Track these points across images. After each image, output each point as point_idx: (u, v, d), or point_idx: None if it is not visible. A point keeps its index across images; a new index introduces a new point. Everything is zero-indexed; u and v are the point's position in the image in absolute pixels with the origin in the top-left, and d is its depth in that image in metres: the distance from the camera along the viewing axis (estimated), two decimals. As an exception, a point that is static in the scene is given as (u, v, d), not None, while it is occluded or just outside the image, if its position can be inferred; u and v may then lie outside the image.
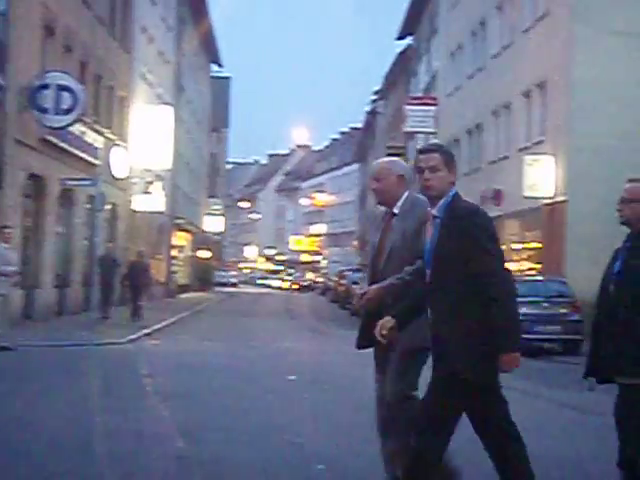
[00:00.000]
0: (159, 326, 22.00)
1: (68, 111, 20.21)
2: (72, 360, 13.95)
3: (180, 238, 48.04)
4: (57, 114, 20.09)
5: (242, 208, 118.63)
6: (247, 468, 6.47)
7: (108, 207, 26.84)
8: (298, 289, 73.96)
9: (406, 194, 5.35)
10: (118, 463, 6.47)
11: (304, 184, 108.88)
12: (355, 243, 79.92)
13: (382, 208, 5.47)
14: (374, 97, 65.68)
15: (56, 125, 20.52)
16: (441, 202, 4.52)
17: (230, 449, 7.11)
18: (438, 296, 4.46)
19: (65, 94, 20.06)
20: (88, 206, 25.20)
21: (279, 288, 77.30)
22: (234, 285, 75.46)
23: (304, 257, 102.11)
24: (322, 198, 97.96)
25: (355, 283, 33.04)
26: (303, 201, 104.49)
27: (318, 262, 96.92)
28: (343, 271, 43.39)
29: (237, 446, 7.23)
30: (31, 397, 9.69)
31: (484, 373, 4.35)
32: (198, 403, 9.66)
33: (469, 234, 4.37)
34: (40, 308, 21.37)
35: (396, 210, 5.32)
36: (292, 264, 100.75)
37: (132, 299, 23.55)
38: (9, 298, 15.35)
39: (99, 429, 7.77)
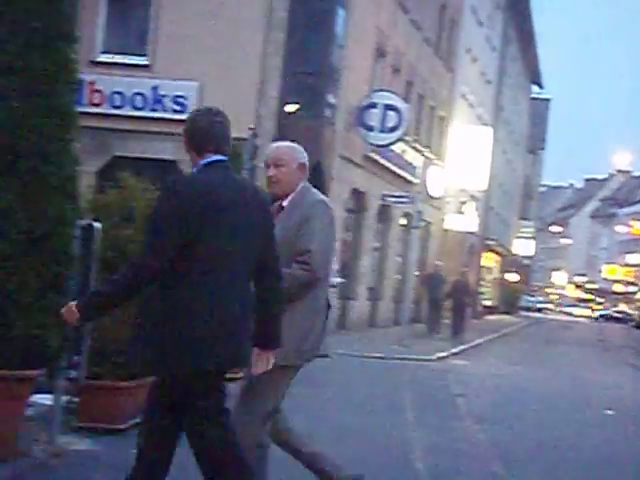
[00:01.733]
0: (466, 346, 21.95)
1: (393, 129, 20.85)
2: (382, 372, 14.28)
3: (489, 259, 47.74)
4: (382, 132, 20.80)
5: (553, 232, 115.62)
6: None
7: (422, 225, 27.25)
8: (609, 319, 70.70)
9: (301, 185, 4.66)
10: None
11: (622, 211, 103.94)
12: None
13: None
14: None
15: (380, 143, 21.24)
16: None
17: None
18: None
19: (391, 113, 20.72)
20: (403, 222, 25.76)
21: (587, 317, 74.36)
22: (540, 310, 73.72)
23: (617, 287, 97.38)
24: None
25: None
26: (619, 228, 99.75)
27: (633, 293, 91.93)
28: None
29: None
30: (348, 405, 10.03)
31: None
32: (513, 429, 9.47)
33: None
34: (354, 319, 22.15)
35: (285, 203, 4.62)
36: (603, 293, 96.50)
37: (454, 317, 23.81)
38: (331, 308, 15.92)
39: (417, 444, 7.85)
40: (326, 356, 14.68)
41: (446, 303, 24.30)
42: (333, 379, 12.59)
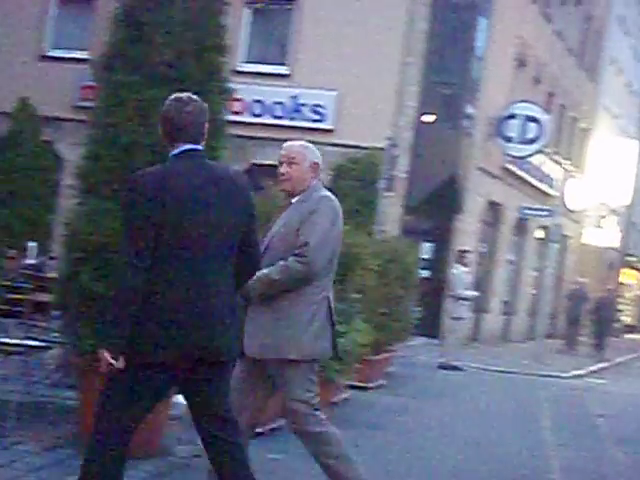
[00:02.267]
0: (605, 365, 21.27)
1: (532, 141, 20.47)
2: (516, 388, 14.00)
3: (629, 276, 46.14)
4: (521, 143, 20.43)
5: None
6: None
7: (560, 238, 26.62)
8: None
9: (314, 183, 4.67)
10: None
11: None
12: None
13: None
14: None
15: (519, 154, 20.89)
16: None
17: None
18: None
19: (531, 124, 20.33)
20: (540, 236, 25.22)
21: None
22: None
23: None
24: None
25: None
26: None
27: None
28: None
29: None
30: (481, 419, 9.88)
31: None
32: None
33: None
34: (486, 332, 21.82)
35: (294, 200, 4.64)
36: None
37: (596, 333, 24.00)
38: (465, 321, 15.72)
39: (555, 463, 7.65)
40: (459, 369, 14.45)
41: (587, 320, 24.33)
42: (463, 392, 12.45)
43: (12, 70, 18.30)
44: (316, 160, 4.74)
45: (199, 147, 3.95)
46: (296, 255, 4.46)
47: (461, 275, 14.89)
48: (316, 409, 4.60)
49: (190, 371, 3.81)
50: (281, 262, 4.46)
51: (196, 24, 5.69)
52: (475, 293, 15.22)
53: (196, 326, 3.73)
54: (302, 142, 4.85)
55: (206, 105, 4.04)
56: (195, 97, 4.01)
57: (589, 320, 24.59)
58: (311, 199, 4.60)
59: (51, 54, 19.53)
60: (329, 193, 4.73)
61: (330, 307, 4.65)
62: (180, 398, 6.53)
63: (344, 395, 9.13)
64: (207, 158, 5.50)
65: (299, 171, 4.65)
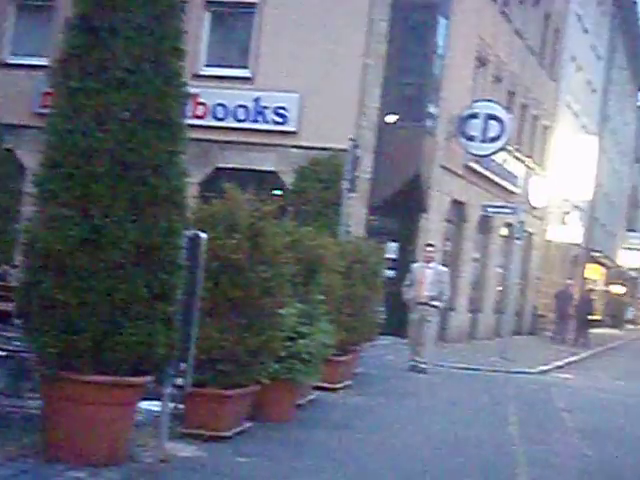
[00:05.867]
0: (570, 360, 21.46)
1: (494, 139, 20.60)
2: (483, 385, 14.07)
3: (593, 271, 46.62)
4: (483, 142, 20.57)
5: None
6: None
7: (524, 235, 26.81)
8: None
9: None
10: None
11: None
12: None
13: None
14: None
15: (481, 153, 21.03)
16: None
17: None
18: None
19: (493, 123, 20.47)
20: (504, 233, 25.41)
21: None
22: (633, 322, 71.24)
23: None
24: None
25: None
26: None
27: None
28: None
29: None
30: (447, 417, 9.95)
31: None
32: (622, 446, 9.19)
33: None
34: (454, 331, 21.93)
35: None
36: None
37: (578, 329, 27.72)
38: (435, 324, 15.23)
39: (521, 457, 7.73)
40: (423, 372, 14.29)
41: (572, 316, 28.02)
42: (434, 391, 12.51)
43: (-29, 78, 18.11)
44: None
45: None
46: None
47: (420, 269, 14.54)
48: None
49: None
50: None
51: (154, 29, 5.67)
52: (447, 295, 14.81)
53: None
54: None
55: None
56: None
57: (574, 316, 28.05)
58: None
59: (10, 61, 19.36)
60: None
61: None
62: (146, 404, 6.53)
63: (310, 397, 9.14)
64: (165, 162, 5.47)
65: None
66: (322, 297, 8.60)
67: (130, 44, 5.55)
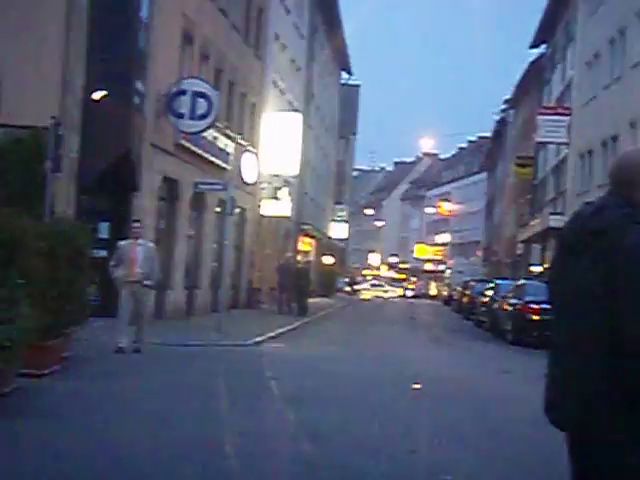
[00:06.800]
0: (283, 330, 22.24)
1: (203, 117, 20.77)
2: (198, 360, 14.26)
3: (306, 244, 48.54)
4: (192, 119, 20.68)
5: (367, 215, 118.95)
6: (376, 476, 6.47)
7: (237, 211, 27.37)
8: (421, 297, 74.26)
9: None
10: (248, 463, 6.59)
11: (430, 193, 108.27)
12: (480, 253, 78.87)
13: None
14: (504, 106, 64.78)
15: (191, 130, 21.12)
16: None
17: (357, 456, 7.13)
18: None
19: (201, 100, 20.62)
20: (218, 210, 25.77)
21: (401, 296, 77.26)
22: (355, 292, 75.71)
23: (428, 266, 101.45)
24: (448, 207, 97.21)
25: (481, 294, 32.53)
26: (428, 210, 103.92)
27: (442, 272, 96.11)
28: (468, 282, 42.90)
29: (364, 453, 7.25)
30: (160, 393, 9.99)
31: None
32: (324, 408, 9.72)
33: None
34: (170, 308, 21.98)
35: None
36: (415, 272, 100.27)
37: (298, 299, 29.86)
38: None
39: (227, 428, 7.93)
40: (138, 351, 14.16)
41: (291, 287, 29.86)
42: (148, 370, 12.48)
43: None
44: None
45: None
46: None
47: (129, 247, 14.39)
48: None
49: None
50: None
51: None
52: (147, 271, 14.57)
53: None
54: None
55: None
56: None
57: (292, 287, 30.05)
58: None
59: None
60: None
61: None
62: None
63: (14, 385, 8.80)
64: None
65: None
66: (22, 281, 8.29)
67: None
